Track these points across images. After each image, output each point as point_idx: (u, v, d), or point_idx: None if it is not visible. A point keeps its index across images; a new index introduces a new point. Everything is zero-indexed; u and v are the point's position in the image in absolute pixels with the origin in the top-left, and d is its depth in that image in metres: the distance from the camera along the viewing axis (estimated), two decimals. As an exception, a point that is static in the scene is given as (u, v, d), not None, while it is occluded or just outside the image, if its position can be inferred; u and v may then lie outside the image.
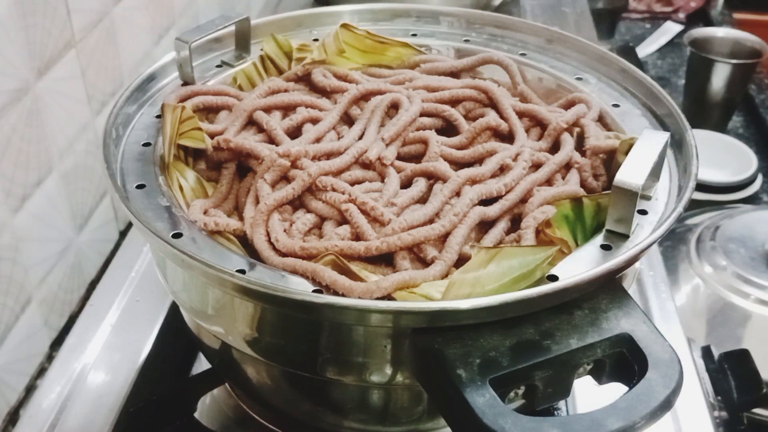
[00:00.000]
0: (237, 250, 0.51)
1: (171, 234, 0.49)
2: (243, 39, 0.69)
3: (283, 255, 0.49)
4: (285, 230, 0.51)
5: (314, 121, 0.61)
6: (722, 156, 1.25)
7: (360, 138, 0.58)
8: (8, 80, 0.65)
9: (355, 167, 0.57)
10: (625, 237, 0.49)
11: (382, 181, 0.56)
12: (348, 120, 0.62)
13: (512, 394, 0.42)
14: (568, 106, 0.64)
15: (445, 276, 0.48)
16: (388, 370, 0.47)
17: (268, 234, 0.51)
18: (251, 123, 0.61)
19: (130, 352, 0.69)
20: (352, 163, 0.56)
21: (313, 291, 0.45)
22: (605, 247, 0.48)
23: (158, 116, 0.60)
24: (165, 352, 0.69)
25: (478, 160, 0.58)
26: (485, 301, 0.42)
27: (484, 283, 0.45)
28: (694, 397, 0.66)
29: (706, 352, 0.75)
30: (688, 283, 0.95)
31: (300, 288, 0.45)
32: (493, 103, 0.63)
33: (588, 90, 0.65)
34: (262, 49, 0.69)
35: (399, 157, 0.58)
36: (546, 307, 0.44)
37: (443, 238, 0.51)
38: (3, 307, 0.66)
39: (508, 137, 0.60)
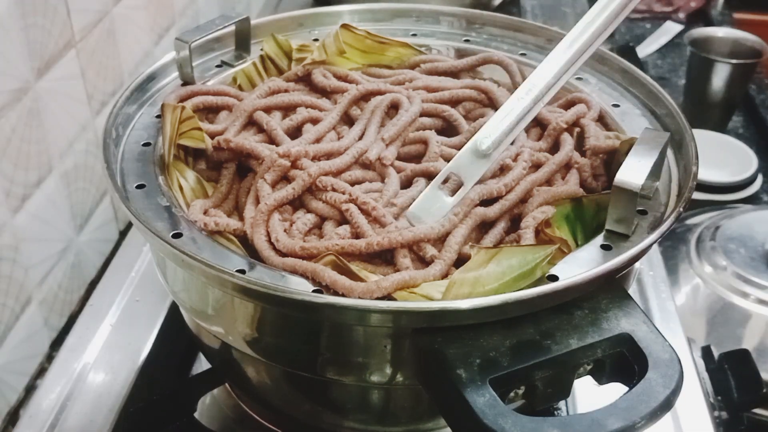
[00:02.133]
0: (237, 250, 0.51)
1: (171, 234, 0.49)
2: (243, 39, 0.69)
3: (284, 255, 0.49)
4: (285, 230, 0.51)
5: (314, 122, 0.61)
6: (722, 156, 1.24)
7: (360, 138, 0.58)
8: (8, 80, 0.65)
9: (355, 167, 0.57)
10: (625, 237, 0.49)
11: (382, 181, 0.56)
12: (348, 120, 0.62)
13: (512, 394, 0.42)
14: (568, 106, 0.64)
15: (445, 276, 0.48)
16: (388, 370, 0.47)
17: (268, 234, 0.51)
18: (251, 123, 0.61)
19: (130, 352, 0.69)
20: (352, 164, 0.56)
21: (313, 291, 0.45)
22: (605, 247, 0.48)
23: (158, 116, 0.60)
24: (165, 352, 0.69)
25: (478, 160, 0.58)
26: (485, 301, 0.42)
27: (485, 283, 0.45)
28: (694, 397, 0.66)
29: (706, 352, 0.75)
30: (688, 283, 0.95)
31: (300, 288, 0.45)
32: (493, 103, 0.63)
33: (588, 90, 0.65)
34: (262, 49, 0.69)
35: (399, 158, 0.58)
36: (546, 307, 0.44)
37: (443, 239, 0.51)
38: (3, 307, 0.66)
39: (508, 137, 0.60)
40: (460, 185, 0.52)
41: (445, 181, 0.53)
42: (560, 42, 0.56)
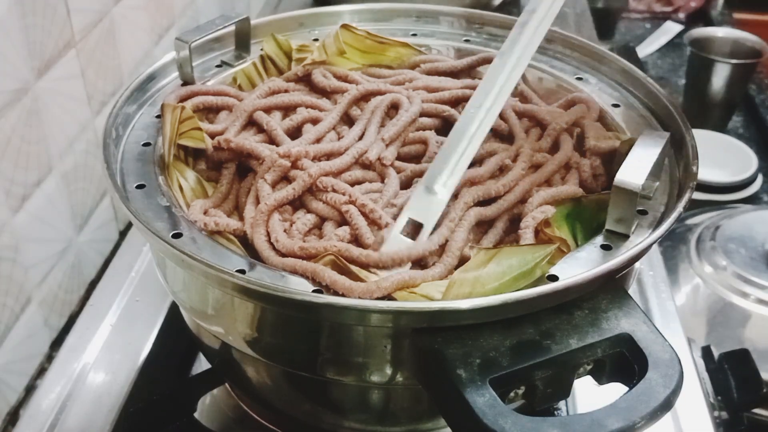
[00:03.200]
0: (237, 250, 0.51)
1: (171, 234, 0.49)
2: (243, 39, 0.69)
3: (283, 255, 0.49)
4: (285, 230, 0.51)
5: (314, 122, 0.61)
6: (722, 156, 1.25)
7: (360, 138, 0.58)
8: (8, 80, 0.65)
9: (356, 168, 0.57)
10: (625, 237, 0.49)
11: (382, 181, 0.56)
12: (348, 120, 0.62)
13: (512, 394, 0.42)
14: (568, 106, 0.64)
15: (445, 276, 0.48)
16: (388, 370, 0.47)
17: (268, 234, 0.51)
18: (251, 123, 0.61)
19: (130, 352, 0.69)
20: (353, 164, 0.56)
21: (313, 291, 0.45)
22: (605, 247, 0.48)
23: (158, 116, 0.60)
24: (165, 352, 0.69)
25: (478, 161, 0.58)
26: (485, 301, 0.42)
27: (485, 283, 0.45)
28: (694, 397, 0.66)
29: (706, 352, 0.75)
30: (688, 283, 0.95)
31: (300, 288, 0.45)
32: (493, 103, 0.63)
33: (588, 90, 0.65)
34: (262, 49, 0.69)
35: (399, 158, 0.58)
36: (546, 307, 0.44)
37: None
38: (3, 307, 0.66)
39: (508, 137, 0.60)
40: (420, 228, 0.51)
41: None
42: (492, 62, 0.57)
